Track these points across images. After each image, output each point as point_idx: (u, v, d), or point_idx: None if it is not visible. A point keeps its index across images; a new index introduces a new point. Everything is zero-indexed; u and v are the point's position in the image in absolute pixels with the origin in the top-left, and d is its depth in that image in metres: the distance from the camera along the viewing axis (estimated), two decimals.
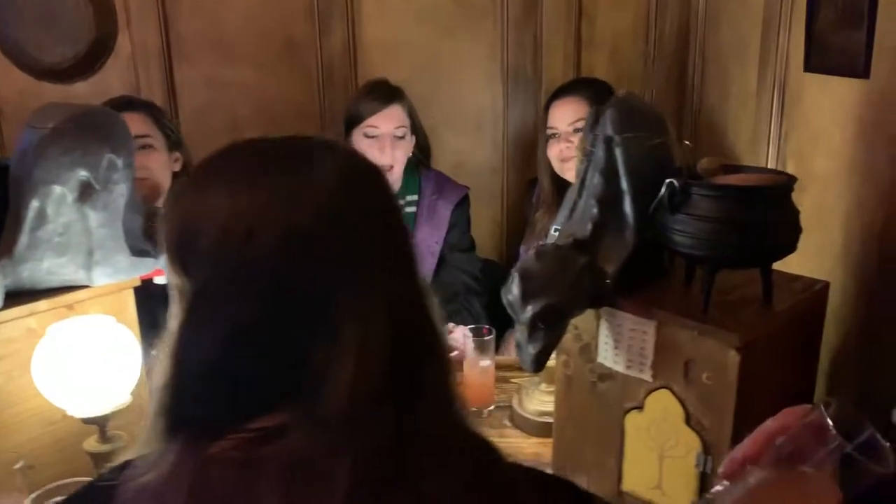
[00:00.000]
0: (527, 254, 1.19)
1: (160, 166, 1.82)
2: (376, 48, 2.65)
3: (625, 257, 1.19)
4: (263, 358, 0.59)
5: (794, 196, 1.73)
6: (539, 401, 1.53)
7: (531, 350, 1.17)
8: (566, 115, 1.93)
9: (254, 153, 0.64)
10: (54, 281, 1.22)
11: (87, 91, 2.60)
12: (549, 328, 1.16)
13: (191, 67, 2.68)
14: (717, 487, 0.64)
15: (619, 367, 1.23)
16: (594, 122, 1.22)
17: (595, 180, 1.21)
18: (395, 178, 1.99)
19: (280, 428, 0.58)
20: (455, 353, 1.54)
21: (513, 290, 1.17)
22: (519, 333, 1.19)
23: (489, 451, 0.67)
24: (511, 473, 0.67)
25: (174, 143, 1.86)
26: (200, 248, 0.60)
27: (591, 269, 1.18)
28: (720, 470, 0.64)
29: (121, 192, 1.24)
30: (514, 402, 1.57)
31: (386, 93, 1.99)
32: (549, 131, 2.00)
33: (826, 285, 1.26)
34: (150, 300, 1.70)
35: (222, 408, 0.59)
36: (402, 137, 1.98)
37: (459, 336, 1.67)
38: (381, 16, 2.56)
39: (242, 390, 0.59)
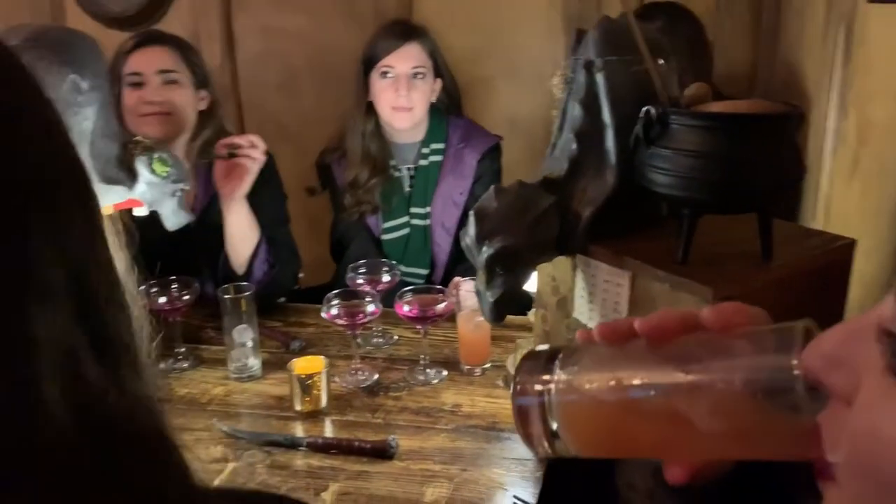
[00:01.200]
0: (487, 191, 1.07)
1: (185, 102, 1.79)
2: None
3: (603, 200, 1.05)
4: None
5: (855, 150, 1.51)
6: None
7: (489, 297, 1.06)
8: None
9: None
10: None
11: None
12: (507, 273, 1.04)
13: (248, 16, 2.67)
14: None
15: (594, 324, 1.09)
16: (576, 43, 1.08)
17: (575, 112, 1.07)
18: (415, 121, 1.88)
19: None
20: (444, 304, 1.44)
21: (469, 231, 1.06)
22: (478, 279, 1.08)
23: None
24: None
25: (201, 80, 1.83)
26: None
27: (558, 211, 1.05)
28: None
29: (86, 115, 1.21)
30: (508, 361, 1.46)
31: (402, 30, 1.89)
32: None
33: (851, 244, 1.07)
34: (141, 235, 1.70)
35: None
36: (420, 77, 1.87)
37: (462, 289, 1.57)
38: None
39: None
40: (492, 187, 1.06)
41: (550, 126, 2.65)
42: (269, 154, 1.86)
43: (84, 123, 1.22)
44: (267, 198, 1.79)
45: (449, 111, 1.99)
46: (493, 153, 1.95)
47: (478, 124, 2.04)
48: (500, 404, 1.38)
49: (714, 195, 0.94)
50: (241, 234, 1.70)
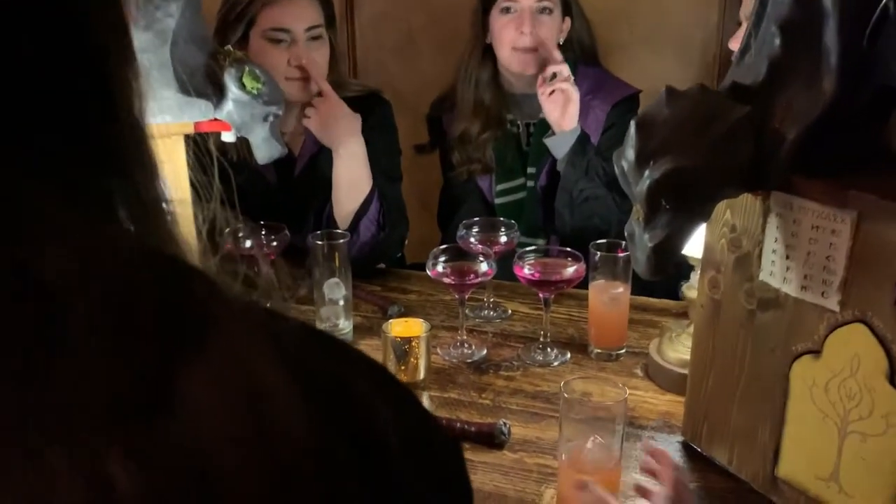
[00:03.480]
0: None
1: (326, 61, 1.56)
2: None
3: (816, 116, 0.76)
4: None
5: None
6: (686, 347, 1.12)
7: (647, 241, 0.79)
8: None
9: None
10: None
11: None
12: (678, 209, 0.77)
13: None
14: None
15: (791, 289, 0.81)
16: None
17: None
18: (540, 64, 1.61)
19: None
20: (573, 268, 1.17)
21: (626, 151, 0.79)
22: (633, 218, 0.82)
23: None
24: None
25: (329, 22, 1.62)
26: None
27: (753, 128, 0.77)
28: None
29: (169, 11, 1.04)
30: (651, 347, 1.18)
31: None
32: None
33: None
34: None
35: None
36: (547, 13, 1.60)
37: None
38: None
39: None
40: (663, 90, 0.79)
41: None
42: (386, 102, 1.66)
43: (166, 21, 1.04)
44: (381, 147, 1.58)
45: (579, 61, 1.72)
46: (627, 103, 1.66)
47: (613, 75, 1.76)
48: (640, 397, 1.10)
49: None
50: (354, 178, 1.49)
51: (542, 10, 1.60)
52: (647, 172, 0.77)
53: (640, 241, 0.80)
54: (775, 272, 0.83)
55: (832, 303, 0.77)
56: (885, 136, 0.80)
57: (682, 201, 0.77)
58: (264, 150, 1.20)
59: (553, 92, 1.54)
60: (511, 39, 1.59)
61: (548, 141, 1.59)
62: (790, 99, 0.78)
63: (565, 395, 0.82)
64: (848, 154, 0.76)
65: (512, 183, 1.69)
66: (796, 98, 0.78)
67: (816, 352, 0.79)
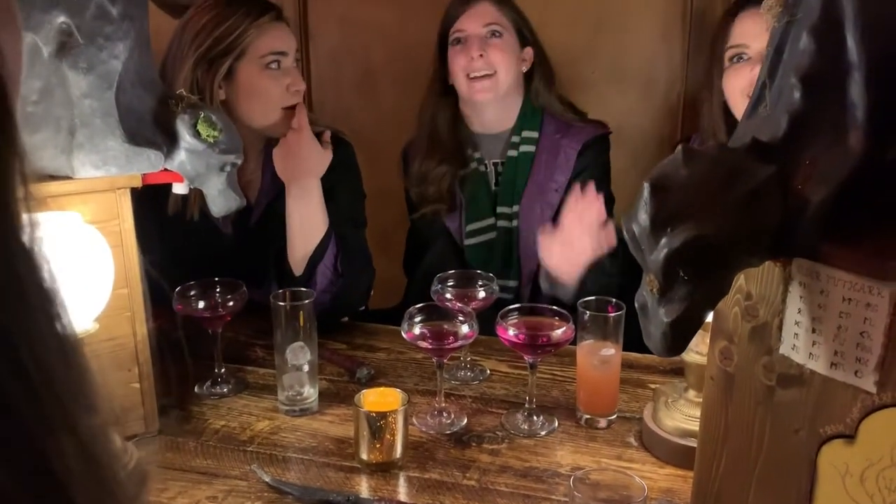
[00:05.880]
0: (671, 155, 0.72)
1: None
2: None
3: (843, 177, 0.69)
4: None
5: None
6: (684, 415, 1.04)
7: (663, 316, 0.70)
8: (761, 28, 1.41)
9: None
10: None
11: None
12: (698, 279, 0.68)
13: (326, 5, 2.43)
14: None
15: (818, 366, 0.73)
16: None
17: (801, 45, 0.73)
18: (500, 91, 1.56)
19: None
20: (561, 329, 1.08)
21: (639, 215, 0.71)
22: (646, 288, 0.73)
23: None
24: None
25: None
26: None
27: (779, 189, 0.70)
28: None
29: (114, 52, 0.93)
30: (645, 413, 1.09)
31: None
32: (732, 51, 1.47)
33: None
34: (178, 232, 1.40)
35: None
36: (497, 36, 1.56)
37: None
38: None
39: None
40: (678, 148, 0.71)
41: (661, 140, 2.34)
42: (349, 143, 1.57)
43: (111, 63, 0.94)
44: (344, 192, 1.48)
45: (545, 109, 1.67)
46: (597, 145, 1.61)
47: (580, 110, 1.71)
48: (637, 470, 1.01)
49: None
50: (307, 218, 1.40)
51: (492, 34, 1.57)
52: (664, 240, 0.68)
53: (655, 315, 0.72)
54: (799, 346, 0.75)
55: (867, 383, 0.69)
56: None
57: (705, 271, 0.69)
58: (220, 202, 1.09)
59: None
60: (464, 66, 1.55)
61: (554, 289, 1.44)
62: (814, 157, 0.71)
63: (577, 494, 0.73)
64: (883, 218, 0.69)
65: (482, 223, 1.62)
66: (821, 156, 0.71)
67: (849, 436, 0.71)
